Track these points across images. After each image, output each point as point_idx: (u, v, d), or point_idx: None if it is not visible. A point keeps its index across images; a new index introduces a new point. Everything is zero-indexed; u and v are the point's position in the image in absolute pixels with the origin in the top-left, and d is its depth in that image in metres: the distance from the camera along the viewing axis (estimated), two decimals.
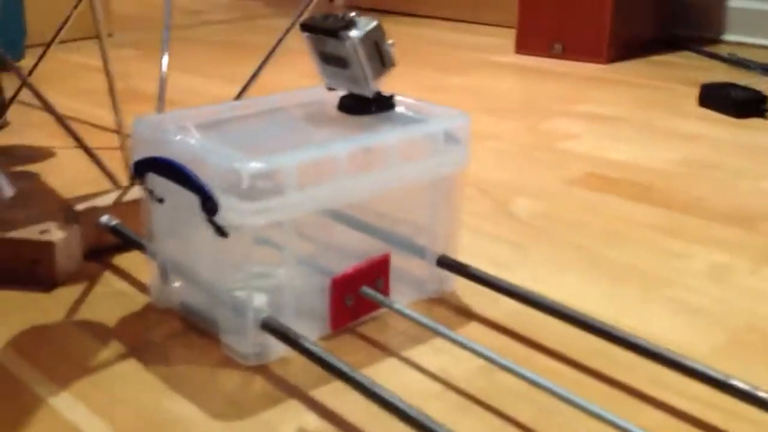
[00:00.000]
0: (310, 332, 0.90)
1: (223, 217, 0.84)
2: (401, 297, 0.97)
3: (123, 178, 1.21)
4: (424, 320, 0.90)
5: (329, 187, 0.88)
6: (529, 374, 0.79)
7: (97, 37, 1.19)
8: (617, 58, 2.41)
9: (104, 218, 1.12)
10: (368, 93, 1.02)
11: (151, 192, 0.93)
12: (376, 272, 0.95)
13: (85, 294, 1.03)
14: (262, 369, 0.87)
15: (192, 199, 0.84)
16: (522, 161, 1.54)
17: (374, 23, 0.99)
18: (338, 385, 0.82)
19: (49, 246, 1.04)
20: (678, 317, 0.98)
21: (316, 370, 0.83)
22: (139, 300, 1.01)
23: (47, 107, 1.22)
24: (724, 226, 1.24)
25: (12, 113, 1.71)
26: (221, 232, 0.84)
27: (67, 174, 1.44)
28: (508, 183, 1.42)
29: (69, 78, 2.20)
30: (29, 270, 1.05)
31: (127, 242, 1.10)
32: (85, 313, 0.99)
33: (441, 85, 2.13)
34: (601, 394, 0.83)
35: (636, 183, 1.42)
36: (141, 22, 3.12)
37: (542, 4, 2.45)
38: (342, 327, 0.94)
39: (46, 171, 1.47)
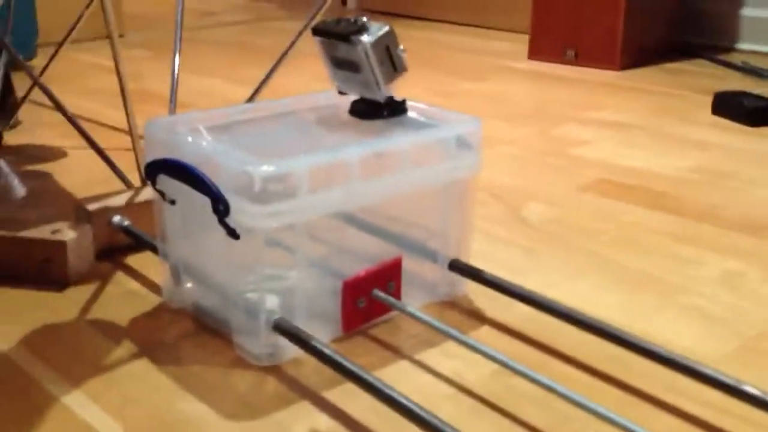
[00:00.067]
0: (323, 334, 0.90)
1: (234, 220, 0.84)
2: (413, 300, 0.97)
3: (134, 178, 1.21)
4: (437, 324, 0.90)
5: (341, 191, 0.88)
6: (543, 379, 0.79)
7: (109, 37, 1.19)
8: (630, 65, 2.40)
9: (116, 218, 1.12)
10: (380, 98, 1.02)
11: (162, 193, 0.93)
12: (388, 275, 0.95)
13: (97, 294, 1.03)
14: (275, 370, 0.87)
15: (204, 201, 0.84)
16: (534, 167, 1.54)
17: (386, 28, 0.99)
18: (350, 387, 0.82)
19: (61, 245, 1.04)
20: (691, 324, 0.98)
21: (328, 371, 0.83)
22: (151, 300, 1.02)
23: (58, 107, 1.22)
24: (737, 234, 1.23)
25: (23, 113, 1.72)
26: (233, 234, 0.84)
27: (79, 174, 1.44)
28: (521, 188, 1.42)
29: (80, 78, 2.20)
30: (41, 269, 1.05)
31: (139, 243, 1.10)
32: (97, 312, 0.99)
33: (453, 90, 2.13)
34: (614, 400, 0.82)
35: (649, 190, 1.42)
36: (153, 22, 3.13)
37: (556, 10, 2.45)
38: (354, 329, 0.94)
39: (58, 171, 1.47)
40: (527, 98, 2.07)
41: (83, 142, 1.23)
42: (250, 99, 1.36)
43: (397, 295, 0.96)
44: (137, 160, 1.22)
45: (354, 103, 1.05)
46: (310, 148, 0.88)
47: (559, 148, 1.65)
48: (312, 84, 2.09)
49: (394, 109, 1.03)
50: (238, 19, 3.33)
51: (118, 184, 1.20)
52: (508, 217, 1.29)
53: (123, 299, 1.02)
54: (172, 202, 0.93)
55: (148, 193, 1.15)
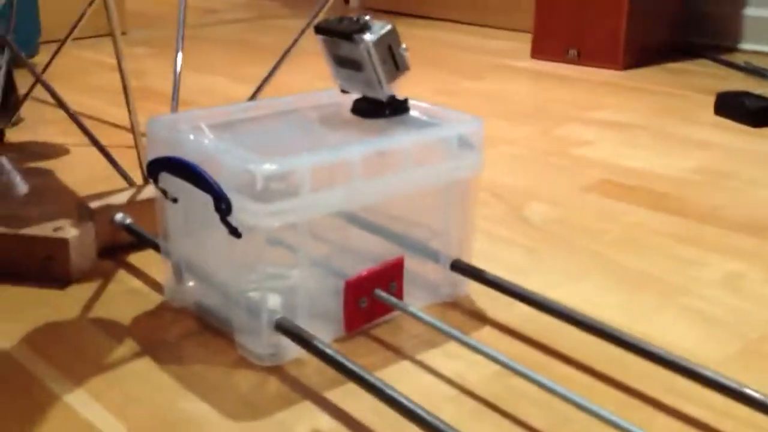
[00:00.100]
0: (324, 334, 0.90)
1: (236, 218, 0.84)
2: (415, 300, 0.97)
3: (136, 176, 1.21)
4: (439, 324, 0.90)
5: (343, 190, 0.88)
6: (544, 380, 0.79)
7: (111, 34, 1.19)
8: (633, 65, 2.40)
9: (118, 216, 1.12)
10: (382, 96, 1.02)
11: (165, 191, 0.93)
12: (390, 275, 0.95)
13: (99, 292, 1.03)
14: (277, 370, 0.87)
15: (206, 200, 0.84)
16: (536, 167, 1.54)
17: (388, 27, 0.99)
18: (352, 387, 0.82)
19: (63, 243, 1.04)
20: (693, 325, 0.98)
21: (330, 371, 0.83)
22: (153, 298, 1.02)
23: (61, 104, 1.22)
24: (739, 235, 1.23)
25: (26, 110, 1.72)
26: (235, 232, 0.84)
27: (81, 171, 1.44)
28: (523, 188, 1.42)
29: (82, 75, 2.20)
30: (43, 267, 1.05)
31: (141, 241, 1.10)
32: (100, 310, 0.99)
33: (455, 88, 2.13)
34: (615, 401, 0.82)
35: (651, 191, 1.42)
36: (155, 19, 3.13)
37: (559, 10, 2.45)
38: (356, 329, 0.94)
39: (60, 168, 1.47)
40: (529, 97, 2.07)
41: (85, 140, 1.23)
42: (253, 97, 1.36)
43: (399, 295, 0.96)
44: (139, 158, 1.22)
45: (356, 102, 1.05)
46: (313, 146, 0.88)
47: (562, 147, 1.65)
48: (314, 82, 2.09)
49: (396, 108, 1.03)
50: (240, 16, 3.32)
51: (120, 182, 1.20)
52: (510, 217, 1.29)
53: (125, 297, 1.02)
54: (174, 200, 0.93)
55: (150, 191, 1.15)
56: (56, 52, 1.53)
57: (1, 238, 1.06)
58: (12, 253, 1.06)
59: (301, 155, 0.85)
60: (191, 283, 0.99)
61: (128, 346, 0.91)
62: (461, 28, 3.05)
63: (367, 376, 0.78)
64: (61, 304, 1.00)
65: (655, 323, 0.98)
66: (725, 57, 2.51)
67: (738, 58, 2.49)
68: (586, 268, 1.12)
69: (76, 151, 1.56)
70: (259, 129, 1.04)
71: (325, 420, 0.79)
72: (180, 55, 1.33)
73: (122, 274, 1.08)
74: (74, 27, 1.52)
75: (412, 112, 1.04)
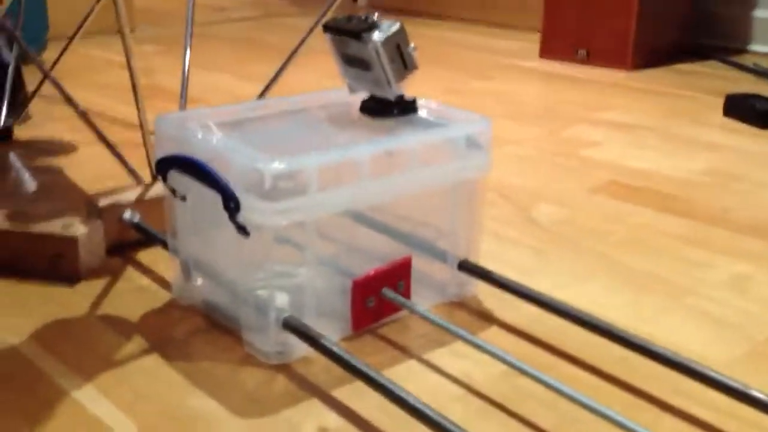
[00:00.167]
0: (332, 332, 0.90)
1: (244, 217, 0.84)
2: (422, 300, 0.97)
3: (145, 174, 1.22)
4: (446, 324, 0.90)
5: (350, 189, 0.88)
6: (551, 381, 0.79)
7: (120, 32, 1.20)
8: (642, 66, 2.40)
9: (127, 214, 1.12)
10: (390, 96, 1.02)
11: (173, 190, 0.94)
12: (398, 275, 0.95)
13: (107, 289, 1.03)
14: (284, 368, 0.87)
15: (214, 198, 0.85)
16: (544, 168, 1.54)
17: (397, 26, 0.99)
18: (359, 386, 0.82)
19: (72, 241, 1.05)
20: (699, 327, 0.98)
21: (338, 370, 0.83)
22: (162, 296, 1.02)
23: (69, 101, 1.22)
24: (747, 237, 1.23)
25: (34, 107, 1.72)
26: (243, 231, 0.84)
27: (89, 169, 1.44)
28: (530, 189, 1.42)
29: (91, 73, 2.21)
30: (52, 264, 1.05)
31: (150, 238, 1.11)
32: (108, 308, 0.99)
33: (464, 88, 2.13)
34: (621, 402, 0.83)
35: (659, 192, 1.42)
36: (163, 17, 3.14)
37: (567, 10, 2.44)
38: (363, 328, 0.94)
39: (68, 165, 1.47)
40: (537, 98, 2.07)
41: (94, 137, 1.24)
42: (261, 96, 1.36)
43: (407, 294, 0.96)
44: (148, 156, 1.22)
45: (364, 101, 1.05)
46: (321, 145, 0.88)
47: (569, 148, 1.65)
48: (322, 81, 2.09)
49: (405, 107, 1.03)
50: (248, 15, 3.33)
51: (129, 180, 1.21)
52: (518, 218, 1.29)
53: (133, 295, 1.02)
54: (183, 198, 0.94)
55: (158, 189, 1.15)
56: (65, 49, 1.54)
57: (11, 235, 1.07)
58: (21, 250, 1.06)
59: (309, 154, 0.85)
60: (199, 281, 0.99)
61: (137, 343, 0.92)
62: (470, 27, 3.05)
63: (374, 375, 0.78)
64: (70, 301, 1.00)
65: (661, 324, 0.98)
66: (734, 59, 2.50)
67: (747, 60, 2.49)
68: (594, 269, 1.12)
69: (85, 149, 1.56)
70: (268, 128, 1.04)
71: (332, 418, 0.79)
72: (188, 52, 1.33)
73: (131, 272, 1.08)
74: (83, 24, 1.52)
75: (421, 112, 1.04)
